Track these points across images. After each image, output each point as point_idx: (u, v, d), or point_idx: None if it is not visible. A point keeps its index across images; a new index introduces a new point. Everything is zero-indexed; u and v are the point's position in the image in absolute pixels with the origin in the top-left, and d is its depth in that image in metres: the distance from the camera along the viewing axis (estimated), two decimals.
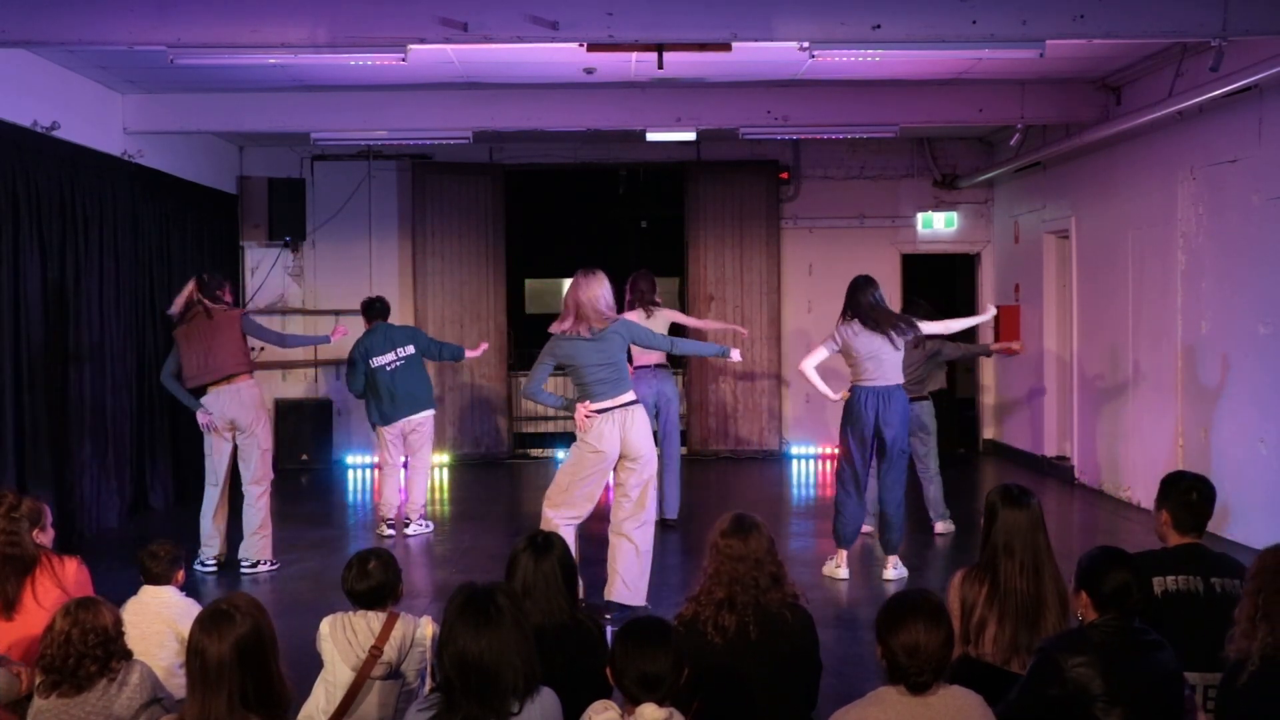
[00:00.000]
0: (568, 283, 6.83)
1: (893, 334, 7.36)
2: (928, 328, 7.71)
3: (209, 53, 7.13)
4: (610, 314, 6.57)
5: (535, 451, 13.40)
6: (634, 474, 6.58)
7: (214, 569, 7.87)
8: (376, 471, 10.11)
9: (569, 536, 6.29)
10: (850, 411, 7.49)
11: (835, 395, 7.63)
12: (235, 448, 7.99)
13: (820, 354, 7.54)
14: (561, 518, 6.49)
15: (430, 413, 9.19)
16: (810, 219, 13.40)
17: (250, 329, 7.96)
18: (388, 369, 8.96)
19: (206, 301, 7.85)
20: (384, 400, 8.99)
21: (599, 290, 6.52)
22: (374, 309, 9.23)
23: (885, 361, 7.38)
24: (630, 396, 6.57)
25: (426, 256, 12.99)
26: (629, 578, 6.57)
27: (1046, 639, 3.70)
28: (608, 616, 6.29)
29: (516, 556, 4.02)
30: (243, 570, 7.85)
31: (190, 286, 7.93)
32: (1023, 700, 3.52)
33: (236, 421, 7.85)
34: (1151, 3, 6.88)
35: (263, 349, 12.63)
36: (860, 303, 7.44)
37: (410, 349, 9.05)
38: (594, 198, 15.31)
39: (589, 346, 6.47)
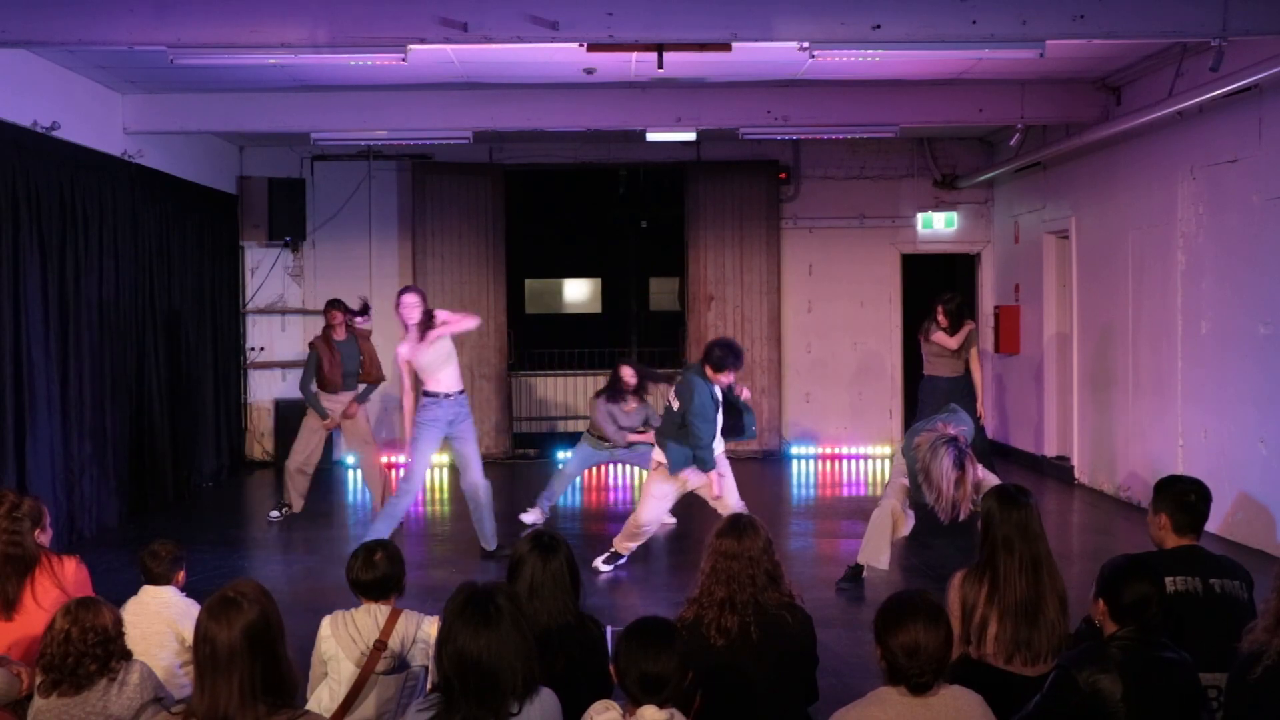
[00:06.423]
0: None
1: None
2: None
3: (209, 53, 7.15)
4: None
5: (535, 451, 13.39)
6: None
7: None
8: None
9: None
10: None
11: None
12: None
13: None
14: None
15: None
16: (810, 219, 13.40)
17: None
18: None
19: None
20: None
21: None
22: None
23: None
24: None
25: (426, 256, 12.98)
26: None
27: (1065, 655, 3.62)
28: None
29: (522, 557, 3.92)
30: None
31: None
32: (1039, 716, 3.46)
33: None
34: (1151, 3, 6.89)
35: (263, 348, 12.76)
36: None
37: None
38: (594, 198, 15.31)
39: None
